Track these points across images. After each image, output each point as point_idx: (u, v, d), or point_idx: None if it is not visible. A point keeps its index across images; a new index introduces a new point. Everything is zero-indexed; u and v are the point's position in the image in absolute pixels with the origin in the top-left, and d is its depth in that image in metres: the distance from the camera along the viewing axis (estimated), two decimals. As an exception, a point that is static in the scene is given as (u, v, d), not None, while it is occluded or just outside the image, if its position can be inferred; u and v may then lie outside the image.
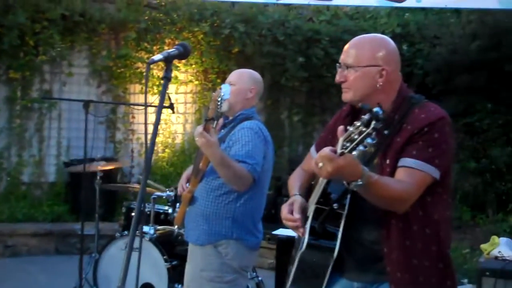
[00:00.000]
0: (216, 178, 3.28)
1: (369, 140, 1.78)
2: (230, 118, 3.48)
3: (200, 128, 3.09)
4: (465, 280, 5.25)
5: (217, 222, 3.28)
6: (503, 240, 4.14)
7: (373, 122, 1.75)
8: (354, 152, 1.84)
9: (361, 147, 1.80)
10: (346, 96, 2.33)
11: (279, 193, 7.55)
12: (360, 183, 1.96)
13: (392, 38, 7.98)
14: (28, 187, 8.03)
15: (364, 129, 1.77)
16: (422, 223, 2.21)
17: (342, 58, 2.33)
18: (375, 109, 1.75)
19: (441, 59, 8.10)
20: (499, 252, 3.97)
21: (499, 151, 7.68)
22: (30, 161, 8.01)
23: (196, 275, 3.34)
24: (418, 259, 2.21)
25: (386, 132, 2.19)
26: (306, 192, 2.43)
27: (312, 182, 2.48)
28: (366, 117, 1.77)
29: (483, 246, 4.18)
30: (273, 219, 7.38)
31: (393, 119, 2.22)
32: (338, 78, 2.33)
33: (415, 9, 8.68)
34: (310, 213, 2.23)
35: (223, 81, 3.73)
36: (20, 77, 7.81)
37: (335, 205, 2.15)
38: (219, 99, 3.06)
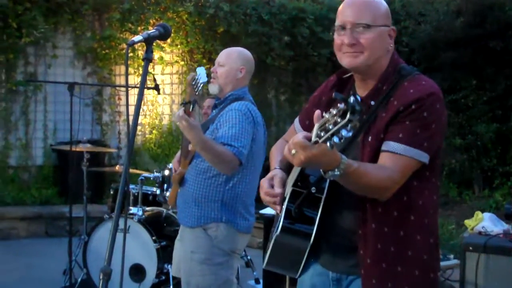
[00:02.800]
0: (204, 160, 3.25)
1: (344, 132, 1.61)
2: (221, 99, 3.44)
3: (180, 112, 3.03)
4: (451, 256, 5.31)
5: (206, 205, 3.26)
6: (486, 215, 4.17)
7: (349, 114, 1.57)
8: (327, 143, 1.65)
9: (335, 139, 1.63)
10: (357, 60, 2.05)
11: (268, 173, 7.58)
12: (337, 173, 1.80)
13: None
14: (16, 170, 8.00)
15: (339, 119, 1.60)
16: (405, 209, 2.03)
17: (352, 18, 2.05)
18: (351, 100, 1.57)
19: (426, 36, 8.13)
20: (483, 227, 4.01)
21: (484, 128, 7.74)
22: (17, 145, 7.98)
23: (187, 257, 3.35)
24: (398, 248, 2.03)
25: (372, 102, 2.03)
26: (289, 166, 2.23)
27: None
28: (342, 106, 1.59)
29: (467, 221, 4.22)
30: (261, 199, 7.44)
31: (381, 90, 2.05)
32: (349, 39, 2.04)
33: (400, -14, 8.69)
34: (287, 195, 2.07)
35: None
36: (4, 60, 7.74)
37: (312, 189, 1.99)
38: (194, 82, 3.02)
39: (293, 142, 1.76)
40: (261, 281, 5.03)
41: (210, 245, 3.26)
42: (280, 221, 2.04)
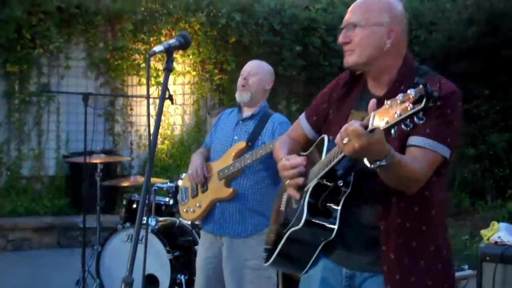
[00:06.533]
0: (257, 172, 3.41)
1: (416, 120, 1.59)
2: (253, 109, 3.52)
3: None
4: (466, 266, 5.26)
5: (263, 213, 3.39)
6: (502, 225, 4.13)
7: (425, 100, 1.55)
8: (392, 131, 1.65)
9: (402, 126, 1.62)
10: (350, 59, 2.13)
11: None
12: (384, 163, 1.80)
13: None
14: (28, 181, 8.04)
15: (411, 106, 1.57)
16: (427, 204, 2.07)
17: (347, 18, 2.15)
18: (429, 87, 1.55)
19: (438, 46, 8.11)
20: (499, 237, 3.97)
21: (497, 137, 7.70)
22: (30, 155, 8.02)
23: (239, 266, 3.43)
24: (419, 242, 2.06)
25: (389, 102, 2.03)
26: None
27: (301, 153, 2.33)
28: (413, 93, 1.57)
29: (483, 231, 4.18)
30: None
31: (398, 89, 2.03)
32: (341, 39, 2.13)
33: (411, -4, 8.68)
34: (309, 188, 2.07)
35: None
36: (17, 70, 7.81)
37: (340, 182, 1.99)
38: None
39: (348, 130, 1.74)
40: None
41: (262, 250, 3.41)
42: (303, 215, 2.04)
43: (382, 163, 1.80)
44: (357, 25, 2.10)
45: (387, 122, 1.64)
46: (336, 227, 2.04)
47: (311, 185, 2.07)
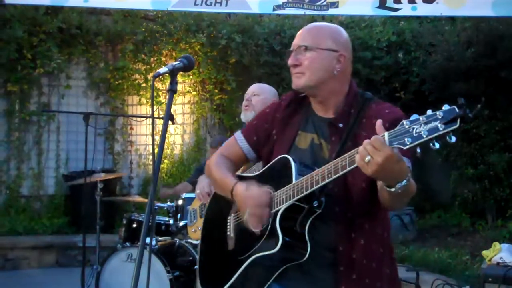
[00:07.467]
0: None
1: (447, 139, 1.59)
2: None
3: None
4: (467, 287, 5.25)
5: None
6: (504, 246, 4.14)
7: (459, 121, 1.56)
8: (418, 150, 1.65)
9: (430, 145, 1.61)
10: (299, 82, 2.15)
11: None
12: (405, 183, 1.77)
13: (387, 46, 8.04)
14: (28, 200, 8.02)
15: (442, 126, 1.58)
16: (384, 227, 2.11)
17: (297, 41, 2.18)
18: (467, 110, 1.57)
19: (437, 67, 8.13)
20: (501, 258, 3.98)
21: (497, 157, 7.69)
22: (29, 174, 8.02)
23: None
24: (377, 264, 2.07)
25: (340, 125, 2.08)
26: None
27: (240, 173, 2.32)
28: (441, 113, 1.59)
29: (484, 252, 4.19)
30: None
31: (349, 113, 2.11)
32: (291, 61, 2.16)
33: (410, 18, 8.73)
34: (280, 210, 2.01)
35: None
36: (18, 90, 7.84)
37: (315, 203, 1.96)
38: None
39: (369, 143, 1.72)
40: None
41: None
42: (278, 238, 1.97)
43: (404, 183, 1.77)
44: (308, 48, 2.14)
45: (411, 142, 1.64)
46: (309, 248, 1.98)
47: (282, 207, 2.01)
